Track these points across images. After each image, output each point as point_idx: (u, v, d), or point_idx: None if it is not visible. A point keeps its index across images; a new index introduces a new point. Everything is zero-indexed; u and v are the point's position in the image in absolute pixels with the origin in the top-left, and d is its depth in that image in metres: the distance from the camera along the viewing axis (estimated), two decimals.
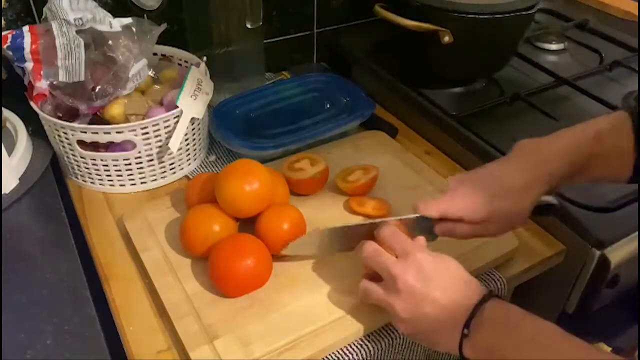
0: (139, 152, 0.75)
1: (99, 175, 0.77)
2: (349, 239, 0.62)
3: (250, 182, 0.65)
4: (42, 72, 0.72)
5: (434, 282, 0.52)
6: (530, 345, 0.47)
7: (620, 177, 0.59)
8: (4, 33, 0.72)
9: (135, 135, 0.73)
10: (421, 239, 0.57)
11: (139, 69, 0.76)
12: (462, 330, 0.50)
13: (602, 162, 0.58)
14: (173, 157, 0.79)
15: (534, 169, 0.58)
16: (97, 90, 0.73)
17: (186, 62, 0.88)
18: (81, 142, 0.74)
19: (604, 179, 0.62)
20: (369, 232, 0.60)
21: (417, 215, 0.59)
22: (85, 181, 0.79)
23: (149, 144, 0.75)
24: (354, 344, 0.59)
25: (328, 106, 0.90)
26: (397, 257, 0.55)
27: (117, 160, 0.76)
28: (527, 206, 0.58)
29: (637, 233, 0.69)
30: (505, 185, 0.57)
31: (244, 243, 0.62)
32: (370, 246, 0.57)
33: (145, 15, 0.79)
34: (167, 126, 0.75)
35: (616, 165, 0.58)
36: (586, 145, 0.58)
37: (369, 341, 0.60)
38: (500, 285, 0.66)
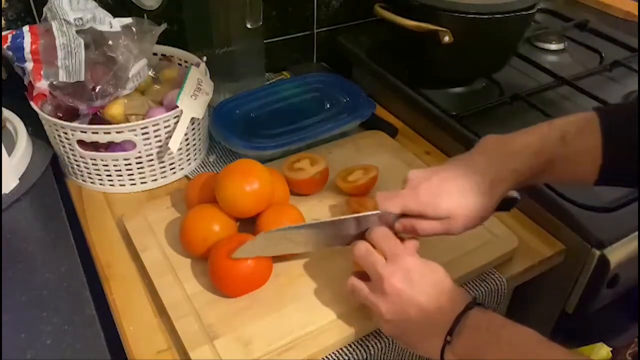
0: (139, 152, 0.75)
1: (99, 175, 0.77)
2: (312, 239, 0.61)
3: (250, 182, 0.65)
4: (42, 72, 0.72)
5: (421, 287, 0.52)
6: (510, 351, 0.47)
7: (587, 180, 0.57)
8: (4, 33, 0.72)
9: (135, 135, 0.73)
10: (413, 243, 0.57)
11: (139, 69, 0.76)
12: (445, 337, 0.50)
13: (567, 163, 0.57)
14: (173, 157, 0.79)
15: (499, 166, 0.56)
16: (97, 90, 0.73)
17: (186, 62, 0.88)
18: (81, 142, 0.74)
19: (570, 180, 0.60)
20: (336, 229, 0.59)
21: (378, 212, 0.57)
22: (85, 181, 0.79)
23: (149, 144, 0.75)
24: (354, 344, 0.60)
25: (328, 106, 0.90)
26: (386, 259, 0.55)
27: (117, 160, 0.76)
28: (492, 203, 0.57)
29: (637, 233, 0.69)
30: (469, 182, 0.56)
31: (244, 243, 0.62)
32: (361, 245, 0.57)
33: (145, 15, 0.79)
34: (167, 126, 0.75)
35: (582, 167, 0.57)
36: (551, 145, 0.56)
37: (368, 341, 0.60)
38: (500, 285, 0.66)
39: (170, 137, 0.75)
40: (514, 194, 0.60)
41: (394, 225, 0.58)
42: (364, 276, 0.56)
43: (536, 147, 0.56)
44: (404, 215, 0.57)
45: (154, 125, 0.74)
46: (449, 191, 0.56)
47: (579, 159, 0.56)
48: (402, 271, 0.53)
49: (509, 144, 0.58)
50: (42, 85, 0.73)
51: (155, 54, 0.86)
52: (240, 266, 0.60)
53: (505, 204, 0.59)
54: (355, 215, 0.59)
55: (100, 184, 0.79)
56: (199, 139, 0.82)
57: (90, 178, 0.78)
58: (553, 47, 1.08)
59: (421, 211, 0.56)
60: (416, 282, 0.52)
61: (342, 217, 0.59)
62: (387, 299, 0.53)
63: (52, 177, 0.76)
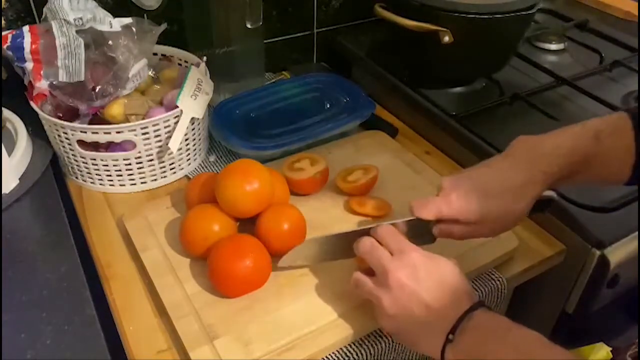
0: (139, 152, 0.75)
1: (99, 175, 0.77)
2: (344, 246, 0.61)
3: (250, 182, 0.65)
4: (42, 72, 0.72)
5: (426, 283, 0.52)
6: (514, 353, 0.47)
7: (619, 179, 0.58)
8: (4, 33, 0.72)
9: (135, 135, 0.73)
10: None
11: (139, 69, 0.76)
12: (447, 336, 0.50)
13: (600, 162, 0.57)
14: (173, 157, 0.79)
15: (531, 168, 0.57)
16: (97, 90, 0.74)
17: (186, 62, 0.88)
18: (81, 142, 0.74)
19: (602, 180, 0.61)
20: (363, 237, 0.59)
21: (412, 217, 0.58)
22: (85, 181, 0.79)
23: (149, 144, 0.75)
24: (354, 344, 0.60)
25: (328, 106, 0.90)
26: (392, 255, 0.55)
27: (117, 160, 0.76)
28: (524, 205, 0.57)
29: (637, 233, 0.69)
30: (501, 185, 0.57)
31: (243, 243, 0.62)
32: (367, 241, 0.57)
33: (145, 15, 0.79)
34: (167, 126, 0.75)
35: (615, 166, 0.57)
36: (585, 145, 0.57)
37: (368, 341, 0.60)
38: (500, 285, 0.66)
39: (170, 137, 0.75)
40: (550, 194, 0.60)
41: (428, 231, 0.59)
42: (368, 272, 0.57)
43: (568, 147, 0.57)
44: (439, 221, 0.58)
45: (154, 125, 0.74)
46: (480, 196, 0.56)
47: (613, 158, 0.57)
48: (408, 267, 0.53)
49: (539, 145, 0.58)
50: (42, 85, 0.73)
51: (155, 54, 0.86)
52: (239, 267, 0.60)
53: (541, 205, 0.59)
54: (391, 222, 0.59)
55: (100, 184, 0.79)
56: (199, 139, 0.82)
57: (90, 178, 0.78)
58: (553, 47, 1.08)
59: (454, 216, 0.57)
60: (422, 279, 0.52)
61: (375, 224, 0.59)
62: (391, 293, 0.53)
63: (52, 177, 0.76)
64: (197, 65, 0.83)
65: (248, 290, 0.62)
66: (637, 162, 0.56)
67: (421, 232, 0.59)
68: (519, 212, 0.57)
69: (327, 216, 0.72)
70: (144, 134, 0.74)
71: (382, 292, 0.53)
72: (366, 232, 0.59)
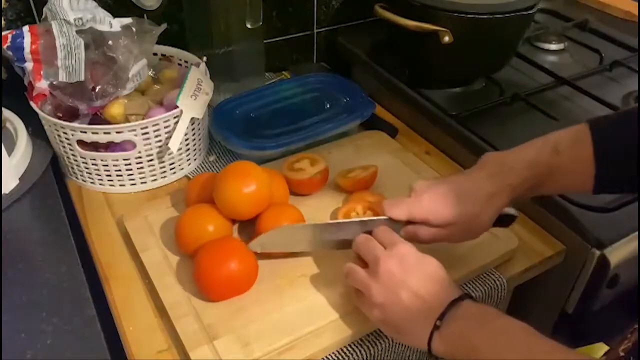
0: (139, 152, 0.75)
1: (99, 175, 0.77)
2: (322, 238, 0.63)
3: (247, 184, 0.65)
4: (42, 72, 0.72)
5: (414, 272, 0.54)
6: (502, 340, 0.48)
7: (585, 189, 0.59)
8: (4, 33, 0.72)
9: (135, 135, 0.73)
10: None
11: (139, 69, 0.76)
12: (434, 322, 0.51)
13: (562, 174, 0.59)
14: (173, 157, 0.79)
15: (496, 181, 0.59)
16: (97, 90, 0.74)
17: (186, 62, 0.88)
18: (81, 142, 0.74)
19: (570, 190, 0.63)
20: (342, 231, 0.62)
21: (385, 217, 0.60)
22: (85, 181, 0.79)
23: (149, 144, 0.75)
24: (354, 344, 0.60)
25: (328, 106, 0.90)
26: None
27: (117, 160, 0.76)
28: (490, 215, 0.59)
29: (637, 233, 0.69)
30: (473, 192, 0.59)
31: (229, 246, 0.62)
32: (363, 235, 0.59)
33: (145, 15, 0.79)
34: (167, 126, 0.75)
35: (577, 176, 0.59)
36: (545, 158, 0.59)
37: (368, 341, 0.60)
38: (500, 285, 0.66)
39: (170, 137, 0.75)
40: (512, 211, 0.62)
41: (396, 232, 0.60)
42: (362, 265, 0.58)
43: (529, 160, 0.59)
44: (408, 223, 0.60)
45: (154, 125, 0.74)
46: (451, 201, 0.58)
47: (574, 169, 0.59)
48: (397, 256, 0.55)
49: (505, 159, 0.61)
50: (42, 85, 0.73)
51: (155, 54, 0.86)
52: (220, 271, 0.59)
53: (504, 221, 0.62)
54: (362, 219, 0.61)
55: (100, 184, 0.79)
56: (199, 139, 0.82)
57: (90, 178, 0.78)
58: (553, 47, 1.08)
59: (424, 218, 0.59)
60: (410, 268, 0.54)
61: (349, 220, 0.62)
62: (379, 280, 0.54)
63: (52, 177, 0.76)
64: (197, 65, 0.83)
65: (231, 295, 0.61)
66: (597, 173, 0.57)
67: None
68: (485, 221, 0.60)
69: (327, 216, 0.72)
70: (144, 134, 0.74)
71: (372, 280, 0.55)
72: (343, 225, 0.61)
